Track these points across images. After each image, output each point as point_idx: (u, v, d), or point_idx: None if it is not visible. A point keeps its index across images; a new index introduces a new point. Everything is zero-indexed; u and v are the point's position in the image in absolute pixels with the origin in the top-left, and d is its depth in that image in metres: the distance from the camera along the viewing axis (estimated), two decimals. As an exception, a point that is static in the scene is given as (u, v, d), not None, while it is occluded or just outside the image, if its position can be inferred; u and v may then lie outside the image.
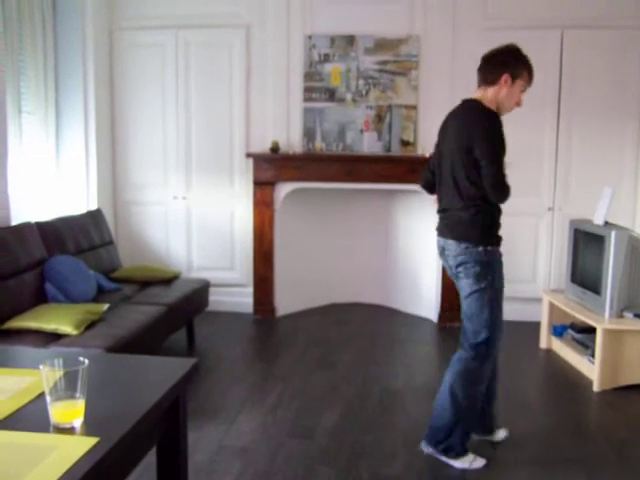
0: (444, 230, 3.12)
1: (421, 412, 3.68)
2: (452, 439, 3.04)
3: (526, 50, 5.19)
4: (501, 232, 3.15)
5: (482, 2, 5.23)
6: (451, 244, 3.05)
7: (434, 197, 3.32)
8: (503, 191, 3.03)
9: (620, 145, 5.25)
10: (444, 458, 3.07)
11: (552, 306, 4.79)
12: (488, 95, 3.07)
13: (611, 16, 5.12)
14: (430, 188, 3.36)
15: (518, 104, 3.13)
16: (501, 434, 3.32)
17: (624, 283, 4.06)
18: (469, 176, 3.00)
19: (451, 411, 3.01)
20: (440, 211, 3.18)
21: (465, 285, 3.04)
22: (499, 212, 3.17)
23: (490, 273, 3.02)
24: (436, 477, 2.96)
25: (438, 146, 3.25)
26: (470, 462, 3.05)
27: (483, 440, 3.27)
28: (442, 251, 3.17)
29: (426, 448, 3.11)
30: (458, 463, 3.05)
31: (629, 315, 4.05)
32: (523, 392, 3.94)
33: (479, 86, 3.14)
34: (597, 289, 4.21)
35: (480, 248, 2.99)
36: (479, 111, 3.03)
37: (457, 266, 3.05)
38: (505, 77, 3.02)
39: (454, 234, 3.05)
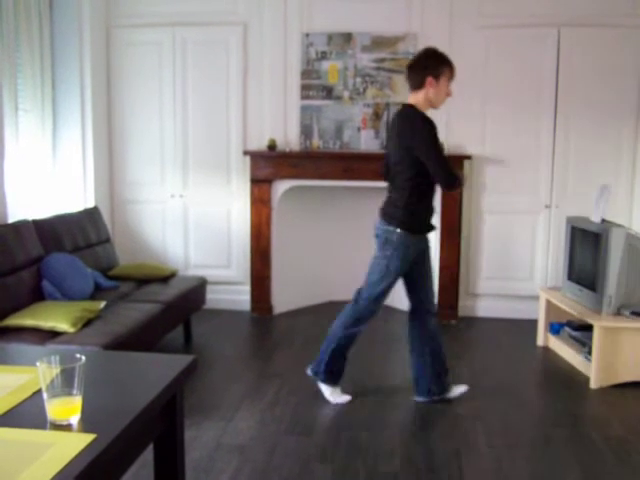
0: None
1: (418, 409, 3.69)
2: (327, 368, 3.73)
3: (523, 48, 5.24)
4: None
5: (479, 0, 5.23)
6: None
7: None
8: (452, 180, 3.49)
9: (617, 143, 5.25)
10: (320, 383, 3.76)
11: (549, 304, 4.79)
12: (420, 98, 3.53)
13: (608, 14, 5.12)
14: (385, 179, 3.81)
15: (448, 95, 3.58)
16: (458, 390, 3.79)
17: (621, 281, 4.07)
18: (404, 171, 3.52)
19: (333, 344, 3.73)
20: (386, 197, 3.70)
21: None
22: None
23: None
24: (434, 474, 2.97)
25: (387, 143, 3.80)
26: (336, 396, 3.74)
27: (443, 399, 3.73)
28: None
29: (309, 372, 3.80)
30: (328, 392, 3.75)
31: (626, 313, 4.06)
32: (520, 389, 3.94)
33: (410, 91, 3.59)
34: (594, 287, 4.21)
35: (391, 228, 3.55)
36: (413, 118, 3.48)
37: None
38: (429, 80, 3.48)
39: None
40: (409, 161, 3.48)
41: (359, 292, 3.72)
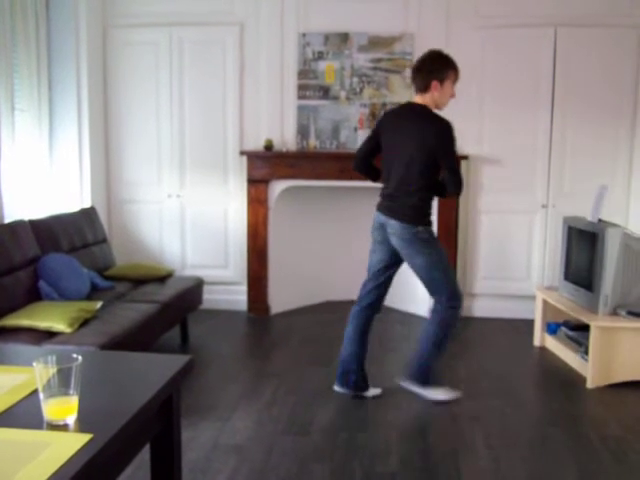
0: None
1: (415, 409, 3.69)
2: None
3: (519, 47, 5.25)
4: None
5: (475, 0, 5.23)
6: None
7: None
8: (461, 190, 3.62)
9: (614, 142, 5.26)
10: (429, 395, 3.71)
11: (546, 304, 4.80)
12: (427, 100, 3.58)
13: (604, 14, 5.13)
14: (361, 171, 3.93)
15: (452, 97, 3.64)
16: (372, 392, 3.83)
17: (617, 281, 4.07)
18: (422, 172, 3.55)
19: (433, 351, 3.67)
20: (387, 195, 3.69)
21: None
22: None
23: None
24: (431, 474, 2.97)
25: (378, 137, 3.75)
26: (446, 394, 3.73)
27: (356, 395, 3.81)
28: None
29: (409, 385, 3.75)
30: (432, 394, 3.71)
31: (622, 312, 4.07)
32: (517, 389, 3.94)
33: (416, 93, 3.63)
34: (590, 287, 4.22)
35: (420, 227, 3.58)
36: (435, 120, 3.52)
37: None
38: (434, 84, 3.54)
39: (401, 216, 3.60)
40: (428, 162, 3.52)
41: (437, 302, 3.68)
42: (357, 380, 3.79)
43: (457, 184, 3.53)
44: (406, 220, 3.56)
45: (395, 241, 3.62)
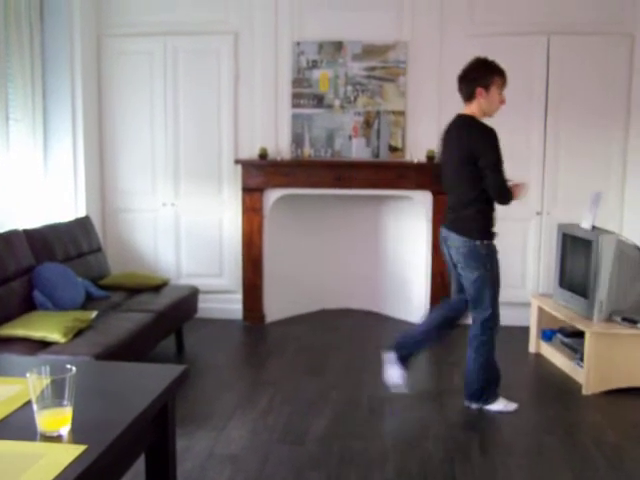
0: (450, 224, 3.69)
1: (410, 417, 3.69)
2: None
3: (513, 56, 5.27)
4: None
5: (469, 8, 5.26)
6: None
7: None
8: (506, 194, 3.58)
9: (607, 149, 5.28)
10: (487, 406, 3.74)
11: (541, 311, 4.80)
12: (474, 109, 3.58)
13: (597, 22, 5.16)
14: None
15: (502, 103, 3.63)
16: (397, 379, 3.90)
17: (612, 287, 4.08)
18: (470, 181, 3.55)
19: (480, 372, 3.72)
20: (448, 209, 3.73)
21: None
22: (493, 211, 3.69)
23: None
24: (426, 482, 2.97)
25: (443, 154, 3.78)
26: (504, 405, 3.75)
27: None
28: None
29: (469, 404, 3.76)
30: (498, 407, 3.72)
31: (617, 319, 4.07)
32: (512, 396, 3.94)
33: (465, 102, 3.64)
34: (585, 293, 4.23)
35: (478, 242, 3.58)
36: (477, 128, 3.52)
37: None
38: (479, 91, 3.55)
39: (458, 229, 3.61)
40: (476, 173, 3.50)
41: (474, 321, 3.75)
42: (409, 355, 3.87)
43: (497, 193, 3.51)
44: (464, 233, 3.57)
45: (454, 253, 3.65)
